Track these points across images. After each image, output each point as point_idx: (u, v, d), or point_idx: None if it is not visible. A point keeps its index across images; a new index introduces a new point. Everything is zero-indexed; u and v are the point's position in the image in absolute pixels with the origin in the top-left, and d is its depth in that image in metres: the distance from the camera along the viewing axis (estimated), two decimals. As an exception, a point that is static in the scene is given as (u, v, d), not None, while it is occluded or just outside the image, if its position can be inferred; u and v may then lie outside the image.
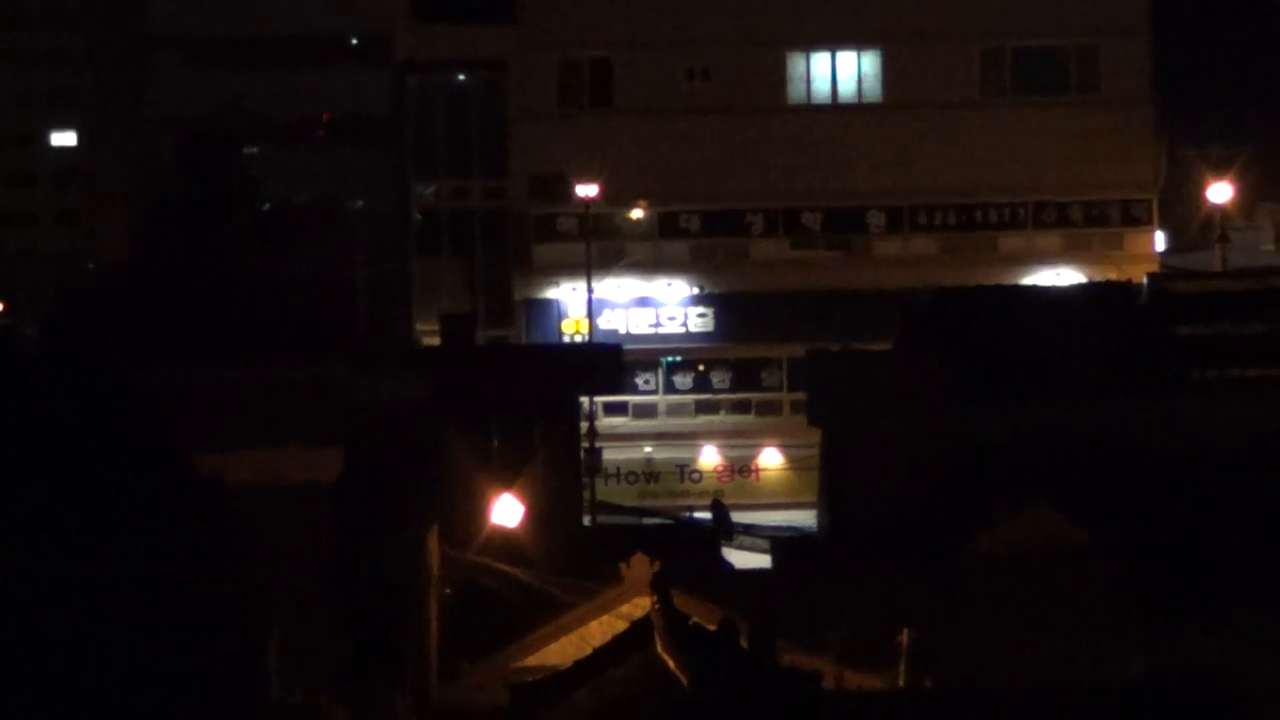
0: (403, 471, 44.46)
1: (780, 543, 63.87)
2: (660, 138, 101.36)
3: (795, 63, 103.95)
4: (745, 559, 61.90)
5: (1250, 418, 57.89)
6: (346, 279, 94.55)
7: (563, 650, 40.74)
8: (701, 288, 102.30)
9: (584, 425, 73.62)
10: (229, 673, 32.69)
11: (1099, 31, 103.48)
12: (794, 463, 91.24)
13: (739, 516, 74.97)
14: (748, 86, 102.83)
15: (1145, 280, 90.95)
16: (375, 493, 42.21)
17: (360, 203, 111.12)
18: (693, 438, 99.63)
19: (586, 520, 64.03)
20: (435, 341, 79.45)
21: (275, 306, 57.90)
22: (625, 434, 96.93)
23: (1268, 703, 19.60)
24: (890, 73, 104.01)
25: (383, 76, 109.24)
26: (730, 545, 65.45)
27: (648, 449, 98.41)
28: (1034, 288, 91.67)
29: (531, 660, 41.25)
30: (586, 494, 70.28)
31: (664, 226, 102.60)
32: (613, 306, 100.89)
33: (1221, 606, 19.69)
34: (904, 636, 38.36)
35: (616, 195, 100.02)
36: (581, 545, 53.28)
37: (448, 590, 46.09)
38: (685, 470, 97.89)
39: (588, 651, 38.99)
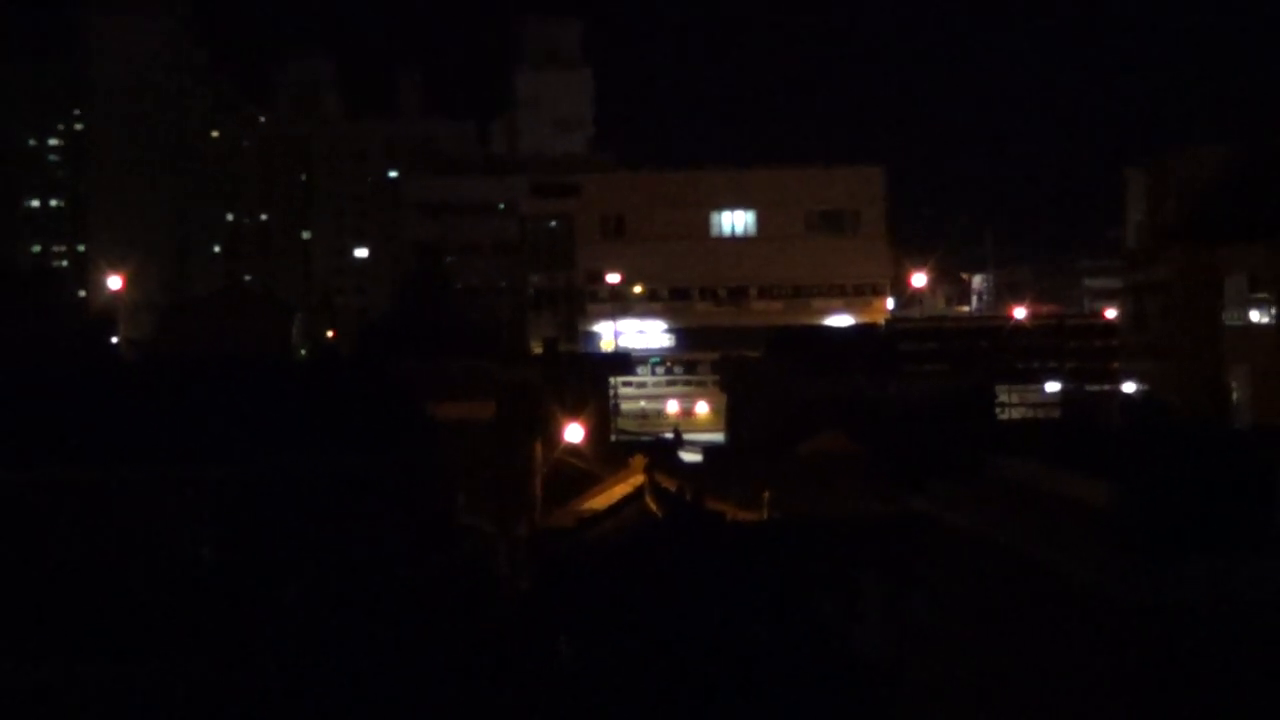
0: (524, 413, 44.29)
1: (707, 449, 63.60)
2: (649, 253, 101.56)
3: (715, 216, 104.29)
4: (690, 458, 61.51)
5: (933, 389, 57.98)
6: (496, 321, 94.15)
7: (600, 501, 40.53)
8: (669, 325, 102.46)
9: (612, 391, 73.20)
10: (439, 510, 32.55)
11: (860, 202, 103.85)
12: (714, 410, 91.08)
13: (687, 436, 74.53)
14: (692, 228, 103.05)
15: (884, 322, 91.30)
16: (511, 424, 42.03)
17: (504, 283, 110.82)
18: (664, 398, 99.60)
19: (613, 437, 63.62)
20: (539, 352, 79.31)
21: (462, 334, 57.72)
22: (631, 396, 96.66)
23: (948, 534, 19.41)
24: (761, 221, 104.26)
25: (515, 221, 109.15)
26: (682, 451, 65.09)
27: (642, 403, 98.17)
28: (831, 326, 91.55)
29: (585, 506, 41.04)
30: (613, 424, 69.89)
31: (650, 296, 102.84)
32: (625, 334, 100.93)
33: (928, 479, 19.56)
34: (766, 494, 38.20)
35: (627, 281, 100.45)
36: (610, 450, 53.02)
37: (545, 470, 45.87)
38: (660, 414, 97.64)
39: (613, 501, 38.88)
